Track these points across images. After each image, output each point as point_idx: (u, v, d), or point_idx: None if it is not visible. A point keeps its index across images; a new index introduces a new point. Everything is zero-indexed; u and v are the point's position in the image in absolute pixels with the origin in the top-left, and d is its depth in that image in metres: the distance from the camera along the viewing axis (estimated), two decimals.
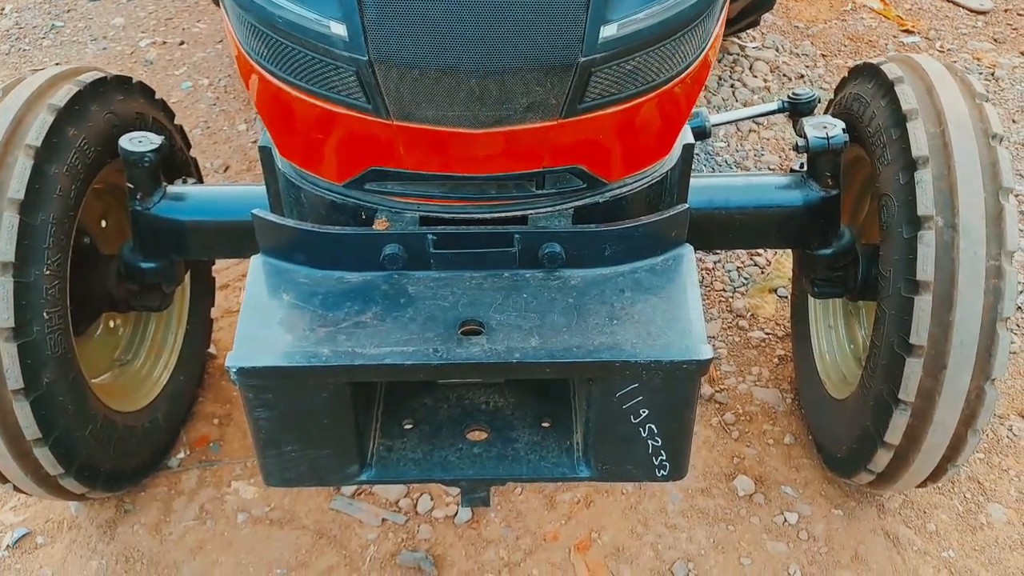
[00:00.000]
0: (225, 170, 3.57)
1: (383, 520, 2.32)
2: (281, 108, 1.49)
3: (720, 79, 3.96)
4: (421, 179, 1.50)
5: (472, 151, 1.42)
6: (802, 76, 4.00)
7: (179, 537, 2.29)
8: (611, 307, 1.44)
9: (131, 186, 2.05)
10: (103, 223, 2.33)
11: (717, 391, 2.61)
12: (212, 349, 2.77)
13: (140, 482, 2.35)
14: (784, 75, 4.02)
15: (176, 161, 2.34)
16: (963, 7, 4.50)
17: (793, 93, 2.21)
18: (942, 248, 1.77)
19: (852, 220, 2.33)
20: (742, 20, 3.71)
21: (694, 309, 1.44)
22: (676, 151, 1.69)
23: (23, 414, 1.83)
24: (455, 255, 1.49)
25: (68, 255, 1.92)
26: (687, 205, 1.54)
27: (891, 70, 1.99)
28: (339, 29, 1.30)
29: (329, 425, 1.47)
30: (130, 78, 2.18)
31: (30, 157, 1.82)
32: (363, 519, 2.32)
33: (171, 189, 2.11)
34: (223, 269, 3.01)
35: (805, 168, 2.09)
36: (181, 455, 2.48)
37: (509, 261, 1.50)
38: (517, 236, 1.49)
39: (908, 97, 1.89)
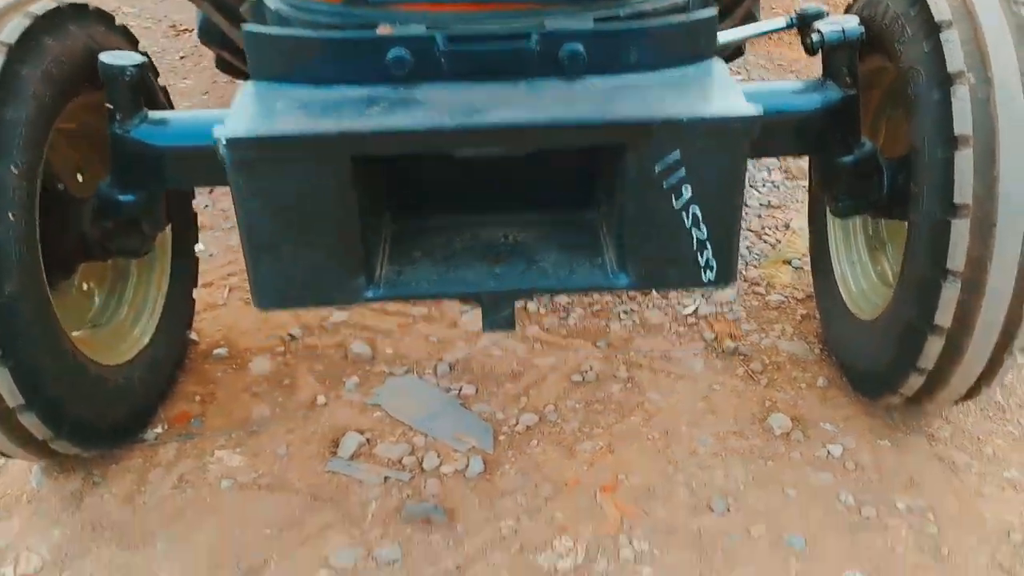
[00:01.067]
0: (211, 192, 3.46)
1: (385, 479, 2.08)
2: None
3: None
4: None
5: None
6: None
7: (155, 505, 2.04)
8: (643, 94, 1.32)
9: (110, 107, 1.95)
10: (79, 177, 2.21)
11: (740, 344, 2.44)
12: (194, 336, 2.58)
13: (113, 445, 2.12)
14: None
15: (152, 95, 2.23)
16: None
17: (801, 8, 2.16)
18: (977, 103, 1.69)
19: (872, 136, 2.24)
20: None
21: (735, 90, 1.32)
22: None
23: None
24: (467, 57, 1.38)
25: (40, 161, 1.80)
26: (716, 10, 1.45)
27: None
28: None
29: (331, 218, 1.30)
30: (112, 16, 2.12)
31: (3, 54, 1.74)
32: (363, 479, 2.08)
33: (152, 114, 2.00)
34: (207, 270, 2.85)
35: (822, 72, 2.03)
36: (158, 430, 2.25)
37: (527, 65, 1.39)
38: (535, 36, 1.38)
39: None
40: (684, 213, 1.30)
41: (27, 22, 1.80)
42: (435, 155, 1.34)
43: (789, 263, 2.82)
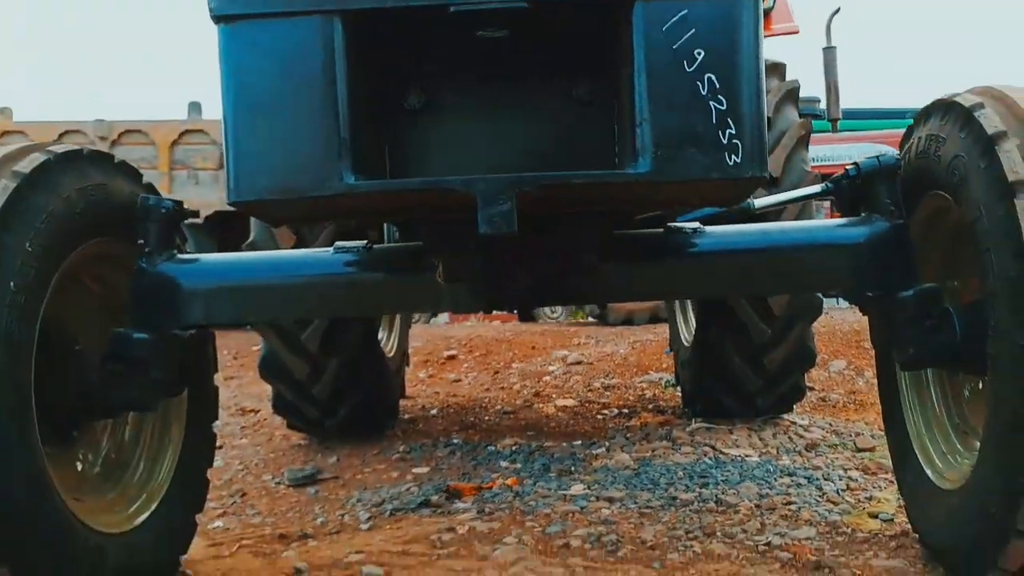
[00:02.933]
0: (243, 495, 3.29)
1: None
2: None
3: (775, 434, 3.79)
4: None
5: None
6: (859, 433, 3.82)
7: None
8: None
9: (141, 241, 1.96)
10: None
11: (823, 559, 2.00)
12: (189, 573, 2.27)
13: None
14: (841, 433, 3.84)
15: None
16: None
17: (833, 177, 2.17)
18: None
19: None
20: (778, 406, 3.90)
21: None
22: None
23: None
24: None
25: (42, 301, 1.71)
26: None
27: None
28: None
29: (317, 87, 1.27)
30: (138, 170, 2.09)
31: (15, 180, 1.70)
32: None
33: (180, 255, 2.03)
34: (221, 538, 2.60)
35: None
36: None
37: None
38: None
39: (968, 98, 1.74)
40: (699, 80, 1.24)
41: (44, 157, 1.77)
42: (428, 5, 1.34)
43: (876, 517, 2.42)
